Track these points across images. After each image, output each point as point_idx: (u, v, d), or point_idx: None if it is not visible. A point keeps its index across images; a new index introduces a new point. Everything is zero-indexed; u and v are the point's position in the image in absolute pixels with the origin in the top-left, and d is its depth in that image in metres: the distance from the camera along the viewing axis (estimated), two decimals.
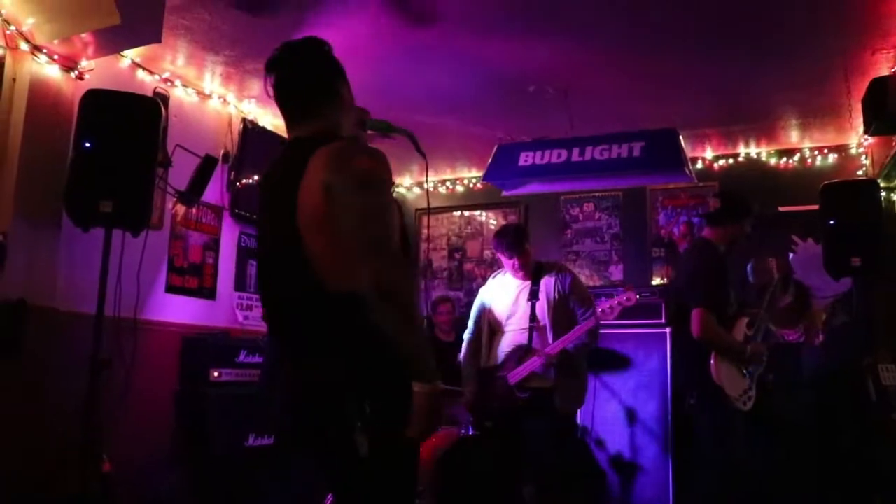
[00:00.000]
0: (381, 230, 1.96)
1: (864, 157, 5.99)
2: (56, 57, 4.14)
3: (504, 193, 5.83)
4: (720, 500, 3.89)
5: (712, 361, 3.83)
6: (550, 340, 4.06)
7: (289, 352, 2.10)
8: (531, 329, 4.12)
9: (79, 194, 3.54)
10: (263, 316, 2.20)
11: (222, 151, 5.53)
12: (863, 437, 4.49)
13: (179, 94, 5.18)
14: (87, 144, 3.53)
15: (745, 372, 4.03)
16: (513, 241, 4.25)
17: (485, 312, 4.40)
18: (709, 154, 6.51)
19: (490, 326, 4.34)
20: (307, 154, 2.03)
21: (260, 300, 2.21)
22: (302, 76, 2.23)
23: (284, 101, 2.26)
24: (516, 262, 4.23)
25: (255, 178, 5.76)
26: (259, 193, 2.27)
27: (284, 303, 2.10)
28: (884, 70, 4.64)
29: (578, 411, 4.97)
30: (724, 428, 3.84)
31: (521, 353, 4.10)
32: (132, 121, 3.59)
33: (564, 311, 4.13)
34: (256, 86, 5.31)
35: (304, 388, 2.03)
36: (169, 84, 5.08)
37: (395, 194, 2.30)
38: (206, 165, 4.69)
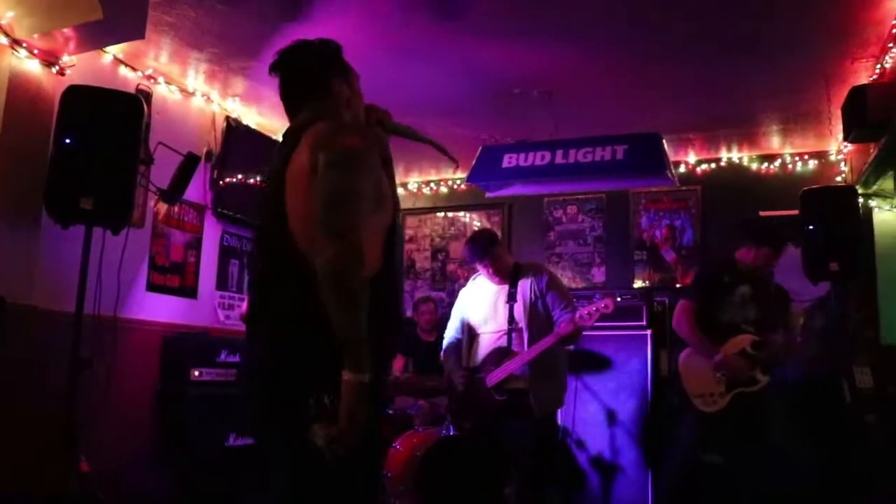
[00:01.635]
0: (343, 217, 1.88)
1: (843, 163, 6.06)
2: (36, 52, 4.10)
3: (488, 195, 5.83)
4: (678, 496, 3.96)
5: (683, 353, 3.95)
6: (526, 343, 4.07)
7: (260, 314, 2.09)
8: (510, 331, 4.13)
9: (59, 191, 3.51)
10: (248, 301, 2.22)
11: (205, 150, 5.50)
12: (839, 438, 4.54)
13: (162, 92, 5.15)
14: (68, 141, 3.51)
15: (718, 375, 4.10)
16: (480, 248, 4.25)
17: (464, 314, 4.41)
18: (692, 158, 6.55)
19: (469, 329, 4.34)
20: (300, 133, 2.05)
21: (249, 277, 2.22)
22: (291, 73, 2.29)
23: (282, 98, 2.31)
24: (488, 268, 4.24)
25: (239, 176, 5.74)
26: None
27: (267, 273, 2.11)
28: (863, 78, 4.70)
29: (559, 412, 4.99)
30: (678, 422, 3.98)
31: (499, 355, 4.11)
32: (114, 117, 3.57)
33: (541, 312, 4.13)
34: (241, 84, 5.30)
35: (258, 364, 2.03)
36: (152, 81, 5.04)
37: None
38: (189, 163, 4.67)
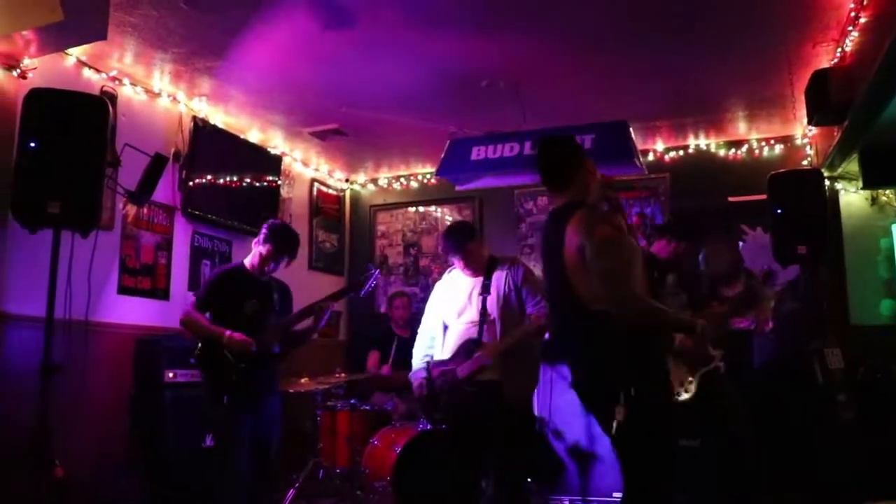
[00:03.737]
0: (613, 283, 2.82)
1: (808, 147, 6.14)
2: None
3: (458, 188, 5.84)
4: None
5: None
6: (498, 334, 4.08)
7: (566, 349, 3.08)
8: (481, 323, 4.13)
9: (25, 195, 3.45)
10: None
11: (173, 150, 5.45)
12: (811, 418, 4.61)
13: (128, 93, 5.10)
14: (32, 144, 3.45)
15: (679, 362, 4.20)
16: (455, 241, 4.25)
17: (438, 307, 4.41)
18: (659, 146, 6.61)
19: (443, 321, 4.35)
20: (567, 217, 2.93)
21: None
22: (549, 165, 3.16)
23: (543, 180, 3.17)
24: (462, 261, 4.24)
25: (208, 177, 5.70)
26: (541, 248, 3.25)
27: (565, 317, 3.07)
28: (825, 62, 4.77)
29: (535, 403, 5.01)
30: None
31: (470, 346, 4.12)
32: (78, 120, 3.51)
33: (514, 305, 4.15)
34: (207, 84, 5.26)
35: (584, 374, 2.96)
36: (117, 82, 4.99)
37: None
38: (156, 164, 4.62)
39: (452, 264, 4.40)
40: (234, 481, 3.97)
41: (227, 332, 4.00)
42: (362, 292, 4.55)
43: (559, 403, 5.56)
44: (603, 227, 2.89)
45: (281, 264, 4.26)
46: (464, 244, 4.22)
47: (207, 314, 4.13)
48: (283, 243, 4.22)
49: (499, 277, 4.20)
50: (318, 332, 4.42)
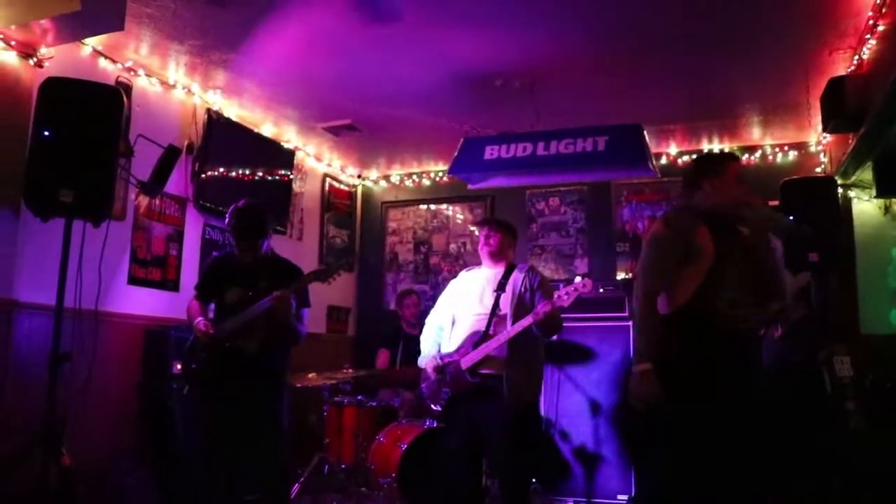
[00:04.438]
0: (645, 275, 3.23)
1: (822, 154, 6.11)
2: (13, 43, 4.06)
3: (470, 187, 5.84)
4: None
5: None
6: (508, 327, 4.09)
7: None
8: (491, 316, 4.14)
9: (38, 184, 3.47)
10: None
11: (186, 142, 5.47)
12: (819, 426, 4.59)
13: (143, 84, 5.12)
14: (47, 133, 3.47)
15: None
16: (509, 227, 4.41)
17: (449, 300, 4.43)
18: (673, 150, 6.59)
19: (454, 315, 4.36)
20: None
21: None
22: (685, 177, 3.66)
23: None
24: (496, 241, 4.29)
25: (221, 170, 5.72)
26: None
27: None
28: (841, 70, 4.74)
29: (542, 403, 5.01)
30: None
31: (477, 338, 4.13)
32: (93, 110, 3.52)
33: (527, 304, 4.16)
34: (221, 76, 5.27)
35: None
36: (132, 73, 5.01)
37: None
38: (169, 156, 4.65)
39: (468, 266, 4.42)
40: (194, 473, 3.92)
41: (197, 320, 3.91)
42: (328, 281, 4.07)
43: (566, 405, 5.56)
44: (659, 225, 3.27)
45: (251, 248, 3.99)
46: (509, 228, 4.40)
47: (212, 304, 4.09)
48: (229, 222, 4.03)
49: (516, 278, 4.23)
50: (284, 324, 3.89)
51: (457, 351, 4.18)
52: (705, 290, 3.10)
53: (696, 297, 3.12)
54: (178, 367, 4.73)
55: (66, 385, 3.64)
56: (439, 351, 4.33)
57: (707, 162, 3.60)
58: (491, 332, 4.10)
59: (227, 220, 4.06)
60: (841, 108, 4.52)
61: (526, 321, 3.99)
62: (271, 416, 3.97)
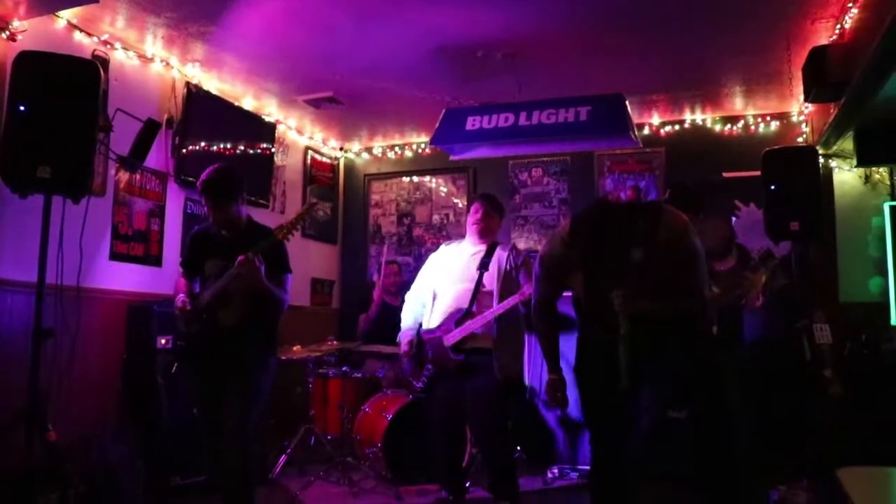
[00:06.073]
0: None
1: (804, 124, 6.13)
2: None
3: (452, 158, 5.82)
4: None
5: None
6: (494, 304, 4.11)
7: None
8: (475, 293, 4.16)
9: (15, 160, 3.41)
10: None
11: (166, 116, 5.41)
12: (798, 393, 4.65)
13: (120, 57, 5.04)
14: (22, 108, 3.41)
15: None
16: (497, 203, 4.46)
17: (431, 274, 4.43)
18: (655, 120, 6.59)
19: (435, 290, 4.37)
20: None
21: None
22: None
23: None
24: (483, 218, 4.31)
25: (202, 143, 5.66)
26: None
27: None
28: (823, 39, 4.74)
29: (526, 373, 5.04)
30: None
31: (459, 315, 4.15)
32: (70, 84, 3.46)
33: (512, 282, 4.18)
34: (200, 49, 5.20)
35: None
36: (108, 46, 4.93)
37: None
38: (149, 130, 4.59)
39: (452, 238, 4.44)
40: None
41: (177, 297, 3.82)
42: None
43: None
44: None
45: (223, 213, 3.80)
46: (501, 209, 4.47)
47: (198, 278, 3.99)
48: (198, 188, 3.85)
49: (500, 255, 4.25)
50: (259, 290, 3.68)
51: (438, 327, 4.19)
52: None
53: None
54: (163, 342, 4.75)
55: (50, 362, 3.63)
56: (420, 327, 4.34)
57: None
58: (474, 309, 4.12)
59: (197, 186, 3.87)
60: (823, 77, 4.54)
61: (513, 300, 4.02)
62: (245, 380, 3.75)
